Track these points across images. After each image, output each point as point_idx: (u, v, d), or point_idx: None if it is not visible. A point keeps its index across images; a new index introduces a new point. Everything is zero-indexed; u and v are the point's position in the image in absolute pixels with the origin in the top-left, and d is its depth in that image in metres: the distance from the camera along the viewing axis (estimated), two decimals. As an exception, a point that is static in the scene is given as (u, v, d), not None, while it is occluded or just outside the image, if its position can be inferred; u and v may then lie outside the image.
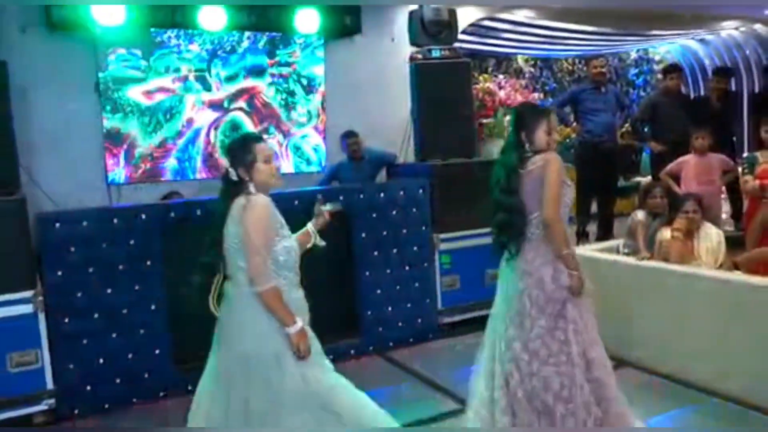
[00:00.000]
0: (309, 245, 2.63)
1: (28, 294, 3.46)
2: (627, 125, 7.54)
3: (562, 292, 2.68)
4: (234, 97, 5.28)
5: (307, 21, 5.20)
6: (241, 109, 5.32)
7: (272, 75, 5.40)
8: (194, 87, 5.12)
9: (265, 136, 4.77)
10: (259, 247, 2.27)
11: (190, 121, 5.13)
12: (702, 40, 8.67)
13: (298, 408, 2.30)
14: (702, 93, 8.54)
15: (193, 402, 2.48)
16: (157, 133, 5.02)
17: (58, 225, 3.53)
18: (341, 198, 4.26)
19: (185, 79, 5.08)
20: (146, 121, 4.98)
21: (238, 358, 2.33)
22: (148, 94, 4.96)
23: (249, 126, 5.34)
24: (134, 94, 4.91)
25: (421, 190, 4.57)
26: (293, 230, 2.53)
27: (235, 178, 2.40)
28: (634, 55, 9.70)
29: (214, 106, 5.21)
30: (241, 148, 2.43)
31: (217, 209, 2.43)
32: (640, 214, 4.27)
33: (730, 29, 8.19)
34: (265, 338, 2.31)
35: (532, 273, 2.72)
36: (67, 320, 3.53)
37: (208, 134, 5.21)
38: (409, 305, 4.49)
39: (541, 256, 2.72)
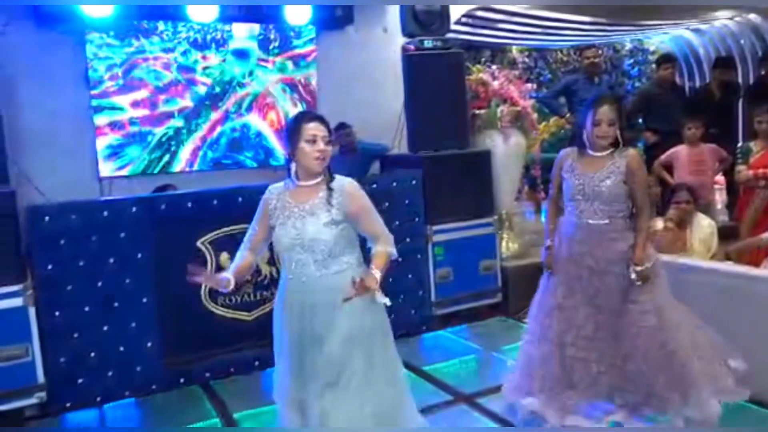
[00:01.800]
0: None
1: (17, 287, 3.43)
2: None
3: None
4: (224, 89, 5.24)
5: (298, 12, 5.16)
6: (234, 100, 5.28)
7: (263, 66, 5.36)
8: (183, 78, 5.08)
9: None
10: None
11: (182, 111, 5.09)
12: (696, 30, 8.64)
13: None
14: (698, 83, 8.51)
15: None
16: (148, 125, 4.99)
17: (47, 218, 3.50)
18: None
19: (174, 69, 5.03)
20: (137, 114, 4.94)
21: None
22: (138, 84, 4.93)
23: (257, 122, 5.30)
24: (123, 84, 4.87)
25: (413, 182, 4.56)
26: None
27: (285, 158, 2.43)
28: (628, 45, 9.67)
29: (205, 97, 5.17)
30: (291, 125, 2.41)
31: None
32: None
33: (724, 19, 8.15)
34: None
35: None
36: (57, 313, 3.51)
37: (201, 126, 5.18)
38: (402, 297, 4.48)
39: None
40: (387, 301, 2.40)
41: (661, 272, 3.02)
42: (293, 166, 2.41)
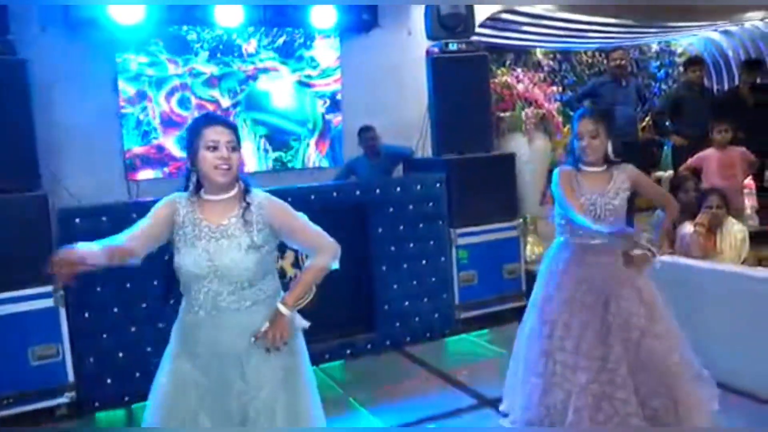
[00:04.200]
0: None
1: (49, 288, 3.51)
2: (648, 119, 7.43)
3: None
4: (250, 92, 5.30)
5: (324, 16, 5.19)
6: (258, 104, 5.33)
7: (289, 69, 5.40)
8: (212, 82, 5.14)
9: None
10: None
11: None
12: (725, 32, 8.50)
13: None
14: (726, 86, 8.37)
15: None
16: (176, 128, 5.06)
17: (78, 220, 3.57)
18: (357, 193, 4.29)
19: (202, 74, 5.10)
20: (165, 118, 5.01)
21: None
22: (167, 90, 5.00)
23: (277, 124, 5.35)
24: (153, 91, 4.95)
25: (437, 185, 4.55)
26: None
27: (185, 168, 2.06)
28: (655, 47, 9.54)
29: (230, 100, 5.23)
30: (191, 132, 2.05)
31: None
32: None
33: (755, 20, 8.01)
34: None
35: None
36: (87, 314, 3.58)
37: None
38: (425, 300, 4.48)
39: None
40: (305, 324, 2.11)
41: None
42: (193, 177, 2.05)
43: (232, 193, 2.06)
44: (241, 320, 2.03)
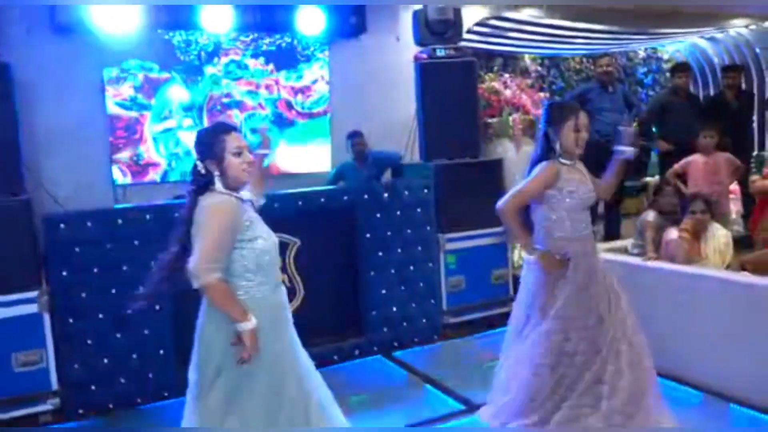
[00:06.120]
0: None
1: (33, 294, 3.48)
2: (635, 124, 7.48)
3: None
4: (239, 96, 5.28)
5: (312, 21, 5.19)
6: (246, 108, 5.32)
7: (278, 74, 5.39)
8: (199, 87, 5.13)
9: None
10: (207, 245, 2.15)
11: (197, 123, 5.13)
12: (711, 39, 8.59)
13: None
14: (712, 91, 8.45)
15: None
16: (163, 133, 5.03)
17: (63, 226, 3.54)
18: (345, 198, 4.28)
19: (189, 78, 5.08)
20: (151, 122, 4.99)
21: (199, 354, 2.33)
22: (153, 95, 4.98)
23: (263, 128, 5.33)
24: (139, 94, 4.92)
25: (425, 190, 4.56)
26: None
27: (203, 171, 2.26)
28: (642, 53, 9.61)
29: (220, 105, 5.22)
30: (210, 138, 2.28)
31: (185, 208, 2.28)
32: (650, 215, 4.24)
33: (739, 27, 8.10)
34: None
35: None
36: (71, 320, 3.55)
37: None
38: (413, 305, 4.48)
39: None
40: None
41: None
42: (218, 181, 2.26)
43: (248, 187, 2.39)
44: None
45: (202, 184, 2.26)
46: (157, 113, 5.02)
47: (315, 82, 5.48)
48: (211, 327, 2.27)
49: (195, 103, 5.14)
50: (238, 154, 2.26)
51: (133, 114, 4.92)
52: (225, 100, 5.23)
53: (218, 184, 2.26)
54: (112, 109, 4.84)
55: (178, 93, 5.07)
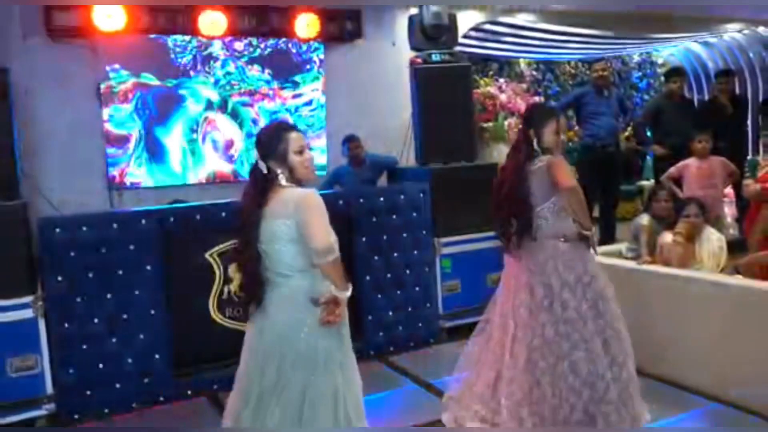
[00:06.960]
0: None
1: (28, 299, 3.48)
2: (630, 129, 7.52)
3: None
4: (235, 102, 5.29)
5: (308, 26, 5.20)
6: (240, 114, 5.33)
7: (273, 79, 5.41)
8: (194, 91, 5.13)
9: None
10: (327, 227, 2.27)
11: (192, 129, 5.15)
12: (705, 43, 8.65)
13: None
14: (706, 96, 8.50)
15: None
16: (159, 138, 5.04)
17: (58, 230, 3.53)
18: (341, 202, 4.29)
19: (184, 85, 5.09)
20: (148, 126, 4.99)
21: (299, 353, 2.34)
22: (150, 98, 4.98)
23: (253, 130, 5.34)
24: (136, 99, 4.93)
25: (421, 194, 4.56)
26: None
27: (265, 170, 2.32)
28: (637, 58, 9.67)
29: (214, 110, 5.23)
30: (273, 137, 2.34)
31: (247, 206, 2.34)
32: (644, 218, 4.25)
33: (733, 32, 8.16)
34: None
35: (537, 268, 2.94)
36: (67, 325, 3.54)
37: (204, 140, 5.23)
38: (409, 310, 4.48)
39: (544, 250, 2.93)
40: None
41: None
42: (282, 179, 2.33)
43: None
44: None
45: (266, 181, 2.32)
46: (153, 119, 5.02)
47: (309, 84, 5.48)
48: (306, 324, 2.36)
49: (191, 109, 5.14)
50: (300, 152, 2.33)
51: (129, 120, 4.92)
52: (226, 107, 5.24)
53: (283, 181, 2.32)
54: (108, 114, 4.85)
55: (173, 99, 5.07)
